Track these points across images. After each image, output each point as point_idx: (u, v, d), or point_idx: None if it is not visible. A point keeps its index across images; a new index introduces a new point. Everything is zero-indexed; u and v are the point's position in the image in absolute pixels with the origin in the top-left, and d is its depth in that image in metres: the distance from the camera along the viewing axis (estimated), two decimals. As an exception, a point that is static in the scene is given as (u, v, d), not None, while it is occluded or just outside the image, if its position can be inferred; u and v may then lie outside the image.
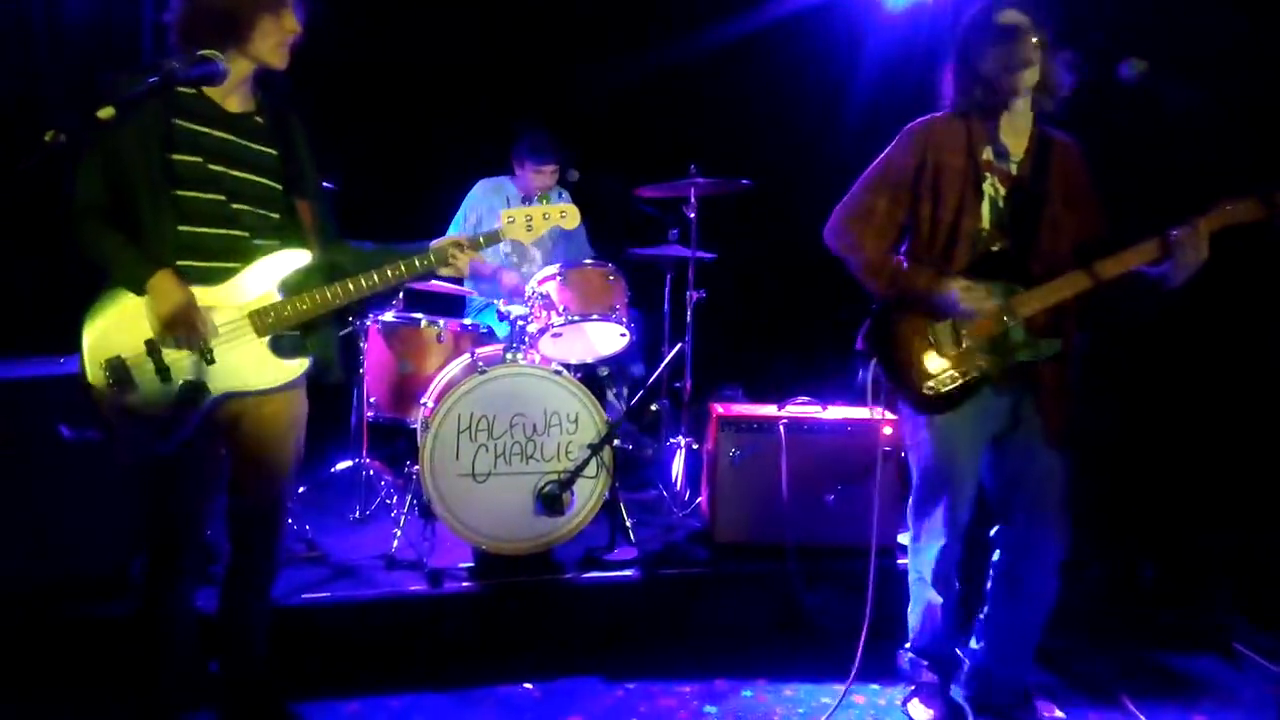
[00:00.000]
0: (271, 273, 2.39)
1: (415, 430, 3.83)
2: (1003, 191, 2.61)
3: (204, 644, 2.56)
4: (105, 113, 1.89)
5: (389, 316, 4.07)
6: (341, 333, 4.16)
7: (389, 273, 2.47)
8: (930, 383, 2.58)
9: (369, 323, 4.04)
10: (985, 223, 2.60)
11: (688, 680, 3.21)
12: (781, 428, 3.64)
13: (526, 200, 4.77)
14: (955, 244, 2.60)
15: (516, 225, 2.71)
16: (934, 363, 2.60)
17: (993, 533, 2.80)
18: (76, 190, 2.25)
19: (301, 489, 3.91)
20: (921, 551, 2.83)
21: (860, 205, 2.72)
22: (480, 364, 3.56)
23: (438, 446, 3.40)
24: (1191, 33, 3.39)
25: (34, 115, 4.00)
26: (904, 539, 3.02)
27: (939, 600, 2.82)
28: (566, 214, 2.78)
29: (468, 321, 4.25)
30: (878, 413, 2.87)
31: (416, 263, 2.50)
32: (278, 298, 2.38)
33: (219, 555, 3.16)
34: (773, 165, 5.07)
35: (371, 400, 4.07)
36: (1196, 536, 3.70)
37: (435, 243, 2.55)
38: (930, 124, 2.68)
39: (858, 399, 4.70)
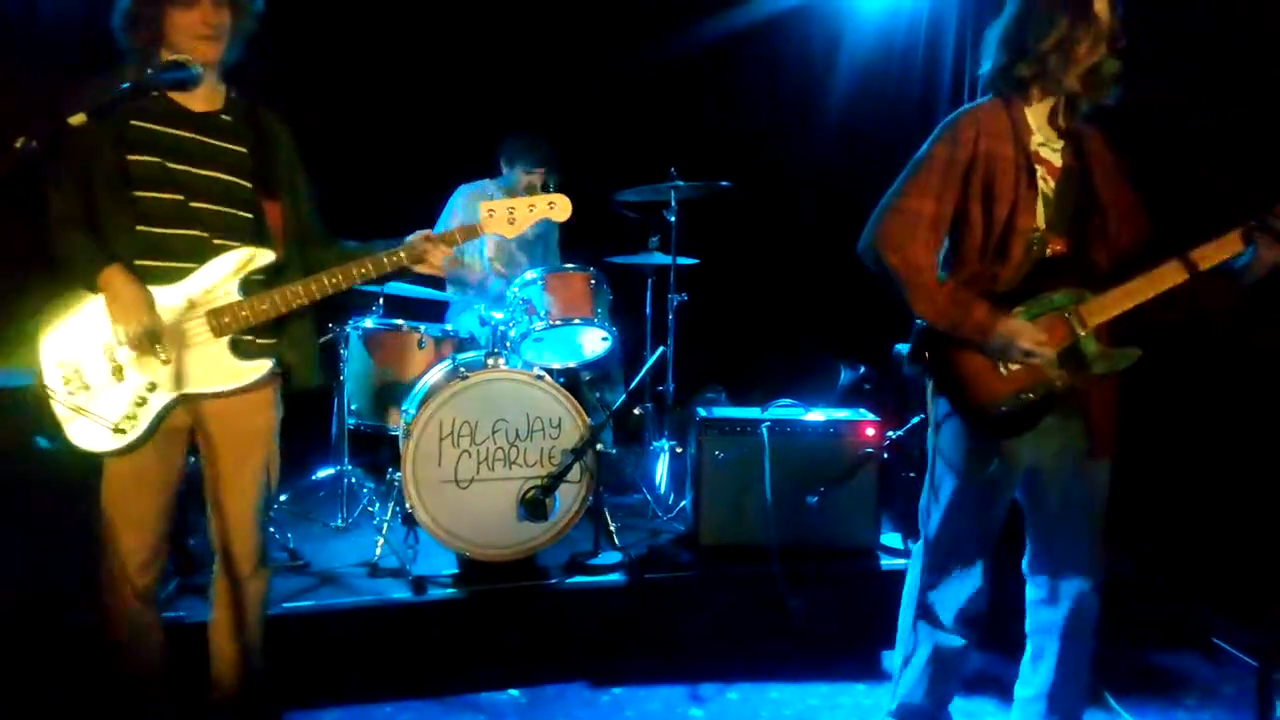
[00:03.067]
0: (231, 272, 2.33)
1: (397, 437, 3.81)
2: (1052, 184, 2.36)
3: (199, 655, 2.54)
4: (78, 119, 1.88)
5: (370, 323, 4.05)
6: (321, 339, 4.13)
7: (355, 271, 2.37)
8: (998, 403, 2.29)
9: (349, 329, 4.02)
10: (1040, 221, 2.34)
11: (673, 684, 3.21)
12: (765, 430, 3.64)
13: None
14: (1009, 246, 2.33)
15: (497, 218, 2.51)
16: (1001, 381, 2.30)
17: (1025, 564, 2.53)
18: (51, 200, 2.22)
19: (283, 497, 3.89)
20: (941, 590, 2.51)
21: (905, 212, 2.34)
22: (462, 369, 3.54)
23: (420, 453, 3.38)
24: (1168, 25, 3.40)
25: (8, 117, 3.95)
26: (908, 564, 2.64)
27: (957, 644, 2.52)
28: (556, 204, 2.56)
29: (449, 327, 4.23)
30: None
31: (385, 260, 2.40)
32: (237, 298, 2.33)
33: (203, 565, 3.16)
34: (752, 168, 5.09)
35: (353, 407, 4.04)
36: (1174, 532, 3.73)
37: (409, 238, 2.46)
38: (975, 111, 2.39)
39: (840, 400, 4.76)
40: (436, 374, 3.75)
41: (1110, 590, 2.47)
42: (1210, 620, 3.51)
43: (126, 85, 2.02)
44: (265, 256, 2.37)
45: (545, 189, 4.68)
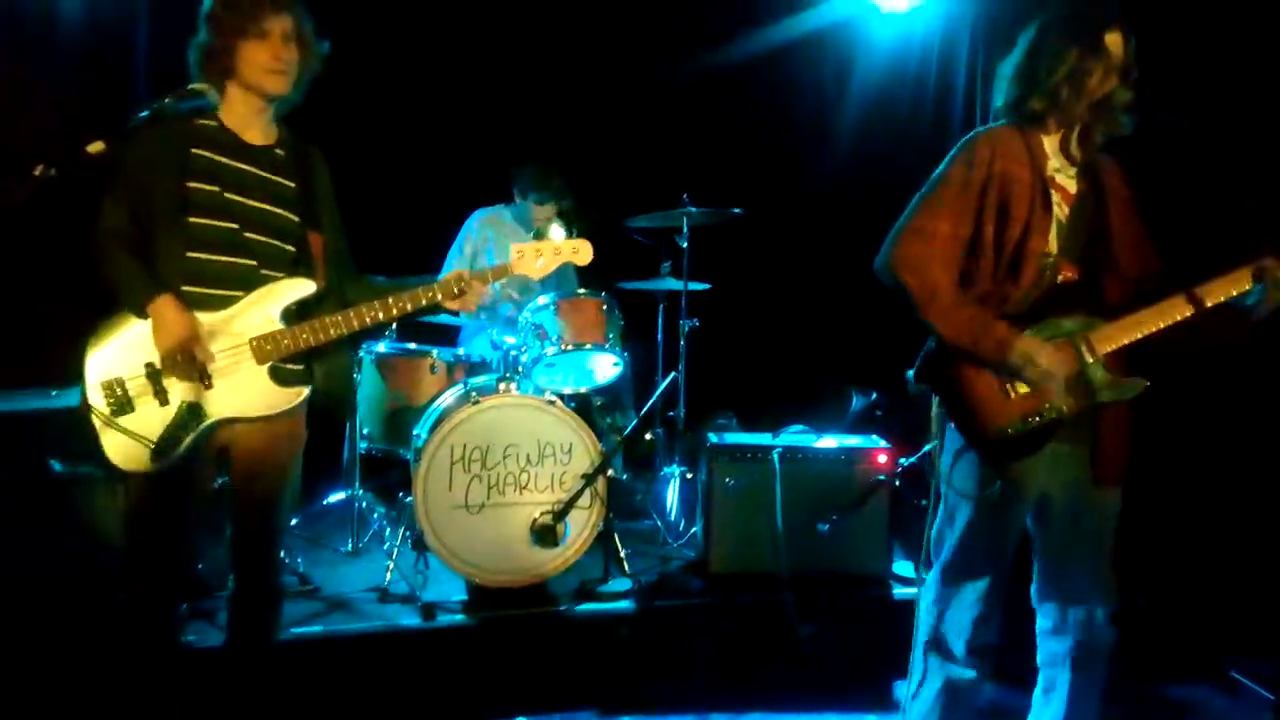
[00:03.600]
0: (275, 301, 2.40)
1: (408, 461, 3.82)
2: (1066, 210, 2.37)
3: (210, 678, 2.54)
4: (95, 147, 1.91)
5: (382, 347, 4.06)
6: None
7: (393, 305, 2.46)
8: (1003, 424, 2.28)
9: (363, 353, 4.03)
10: (1052, 245, 2.34)
11: (683, 713, 3.19)
12: (776, 456, 3.63)
13: (524, 230, 4.82)
14: (1021, 268, 2.33)
15: (526, 260, 2.63)
16: (1008, 404, 2.29)
17: (1033, 594, 2.50)
18: (101, 217, 2.30)
19: (294, 521, 3.89)
20: (952, 621, 2.46)
21: (921, 233, 2.34)
22: (473, 394, 3.55)
23: (431, 478, 3.39)
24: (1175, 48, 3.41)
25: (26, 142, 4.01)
26: (920, 590, 2.58)
27: (969, 676, 2.46)
28: (580, 250, 2.71)
29: (461, 351, 4.25)
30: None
31: (421, 296, 2.49)
32: (280, 326, 2.40)
33: (212, 589, 3.17)
34: (765, 193, 5.10)
35: (364, 431, 4.05)
36: (1189, 562, 3.69)
37: (442, 276, 2.54)
38: (991, 132, 2.40)
39: (852, 426, 4.74)
40: (448, 398, 3.76)
41: (1124, 621, 2.44)
42: (1226, 652, 3.46)
43: (145, 113, 2.06)
44: (308, 287, 2.44)
45: (563, 217, 4.75)
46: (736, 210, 4.34)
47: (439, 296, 2.50)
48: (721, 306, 4.86)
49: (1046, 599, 2.48)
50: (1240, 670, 3.36)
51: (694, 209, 4.33)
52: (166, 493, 2.35)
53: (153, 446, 2.28)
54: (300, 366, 2.46)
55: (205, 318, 2.33)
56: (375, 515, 4.11)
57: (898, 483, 3.71)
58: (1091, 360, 2.29)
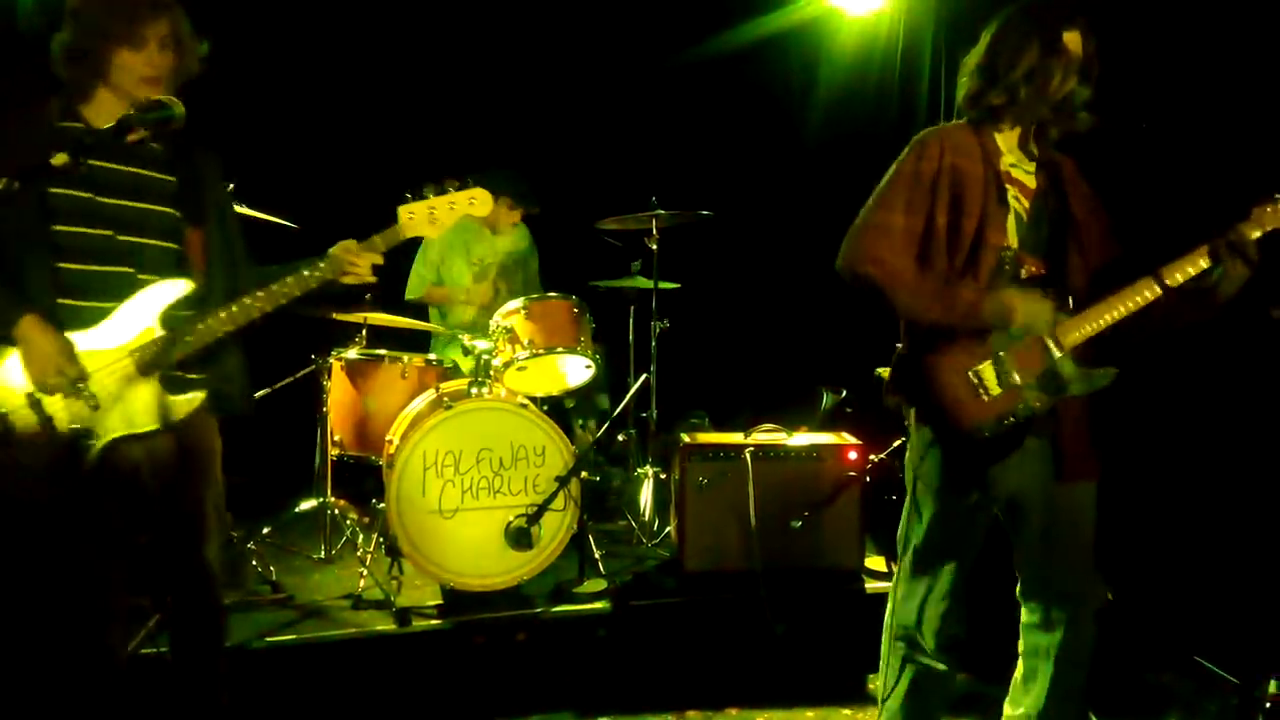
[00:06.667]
0: (150, 307, 2.26)
1: (380, 467, 3.81)
2: (1025, 204, 2.38)
3: (165, 695, 2.49)
4: (59, 160, 1.89)
5: (352, 353, 4.04)
6: (303, 371, 4.14)
7: (277, 290, 2.30)
8: (980, 428, 2.29)
9: (332, 359, 4.02)
10: (1011, 239, 2.34)
11: (661, 711, 3.20)
12: (748, 455, 3.66)
13: (490, 233, 4.82)
14: (978, 261, 2.33)
15: (418, 220, 2.44)
16: (979, 405, 2.30)
17: (1018, 592, 2.52)
18: None
19: (265, 530, 3.87)
20: (921, 616, 2.47)
21: (875, 227, 2.36)
22: (445, 399, 3.55)
23: (403, 483, 3.38)
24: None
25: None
26: (884, 585, 2.69)
27: (939, 669, 2.47)
28: (476, 199, 2.48)
29: (432, 356, 4.24)
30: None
31: (306, 274, 2.32)
32: (160, 333, 2.25)
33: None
34: (732, 194, 5.13)
35: (336, 438, 4.03)
36: (1154, 549, 3.75)
37: (331, 250, 2.38)
38: (942, 129, 2.42)
39: (823, 424, 4.78)
40: (420, 404, 3.76)
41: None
42: (1191, 638, 3.52)
43: (110, 126, 2.03)
44: (184, 287, 2.30)
45: (530, 221, 4.76)
46: (705, 212, 4.36)
47: (327, 271, 2.35)
48: (692, 307, 4.88)
49: (1031, 597, 2.50)
50: (1205, 655, 3.42)
51: (662, 211, 4.35)
52: (76, 520, 2.22)
53: (48, 478, 2.16)
54: (195, 373, 2.33)
55: (81, 335, 2.19)
56: (348, 522, 4.09)
57: (869, 478, 3.75)
58: (1060, 354, 2.31)
